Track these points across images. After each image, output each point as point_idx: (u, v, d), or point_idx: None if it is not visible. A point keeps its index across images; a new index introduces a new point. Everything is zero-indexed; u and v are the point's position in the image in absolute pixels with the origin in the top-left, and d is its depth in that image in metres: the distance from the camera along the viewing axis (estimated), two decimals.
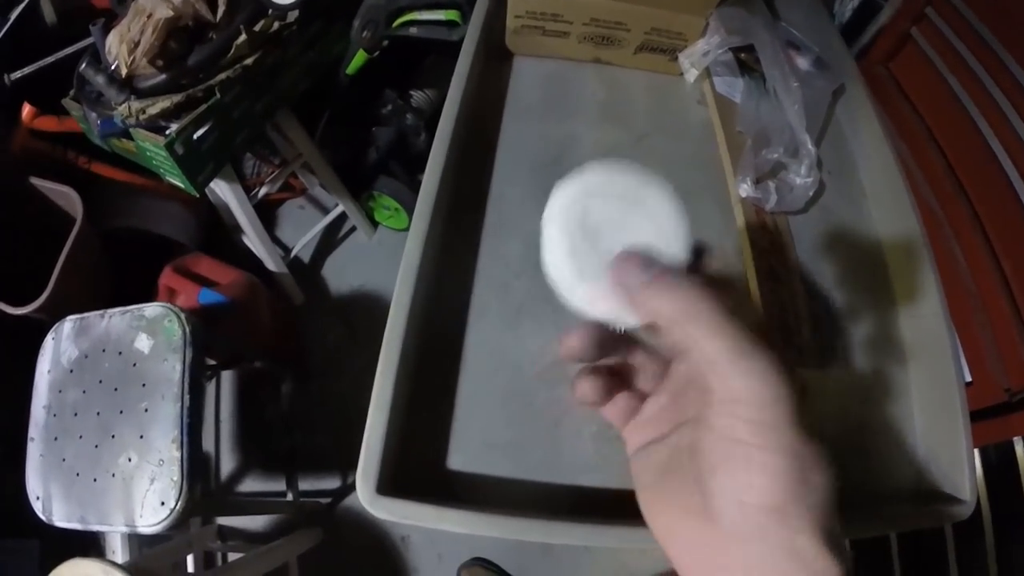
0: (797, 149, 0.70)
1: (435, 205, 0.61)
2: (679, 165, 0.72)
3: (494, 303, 0.62)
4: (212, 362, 1.23)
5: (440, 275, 0.63)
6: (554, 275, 0.28)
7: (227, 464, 1.33)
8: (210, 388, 1.35)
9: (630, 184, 0.27)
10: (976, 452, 0.78)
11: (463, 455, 0.57)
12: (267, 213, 1.54)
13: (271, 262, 1.25)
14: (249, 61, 0.96)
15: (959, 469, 0.62)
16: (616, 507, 0.56)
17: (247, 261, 1.29)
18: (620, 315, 0.26)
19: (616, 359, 0.30)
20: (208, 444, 1.33)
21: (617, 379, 0.30)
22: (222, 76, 0.94)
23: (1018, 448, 0.85)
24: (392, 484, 0.52)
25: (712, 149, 0.72)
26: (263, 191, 1.14)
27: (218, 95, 0.94)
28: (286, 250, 1.43)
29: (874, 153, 0.78)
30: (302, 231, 1.36)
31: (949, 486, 0.62)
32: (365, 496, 0.49)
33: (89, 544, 1.31)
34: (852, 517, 0.58)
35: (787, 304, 0.64)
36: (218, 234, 1.37)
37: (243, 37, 0.93)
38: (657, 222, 0.27)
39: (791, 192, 0.68)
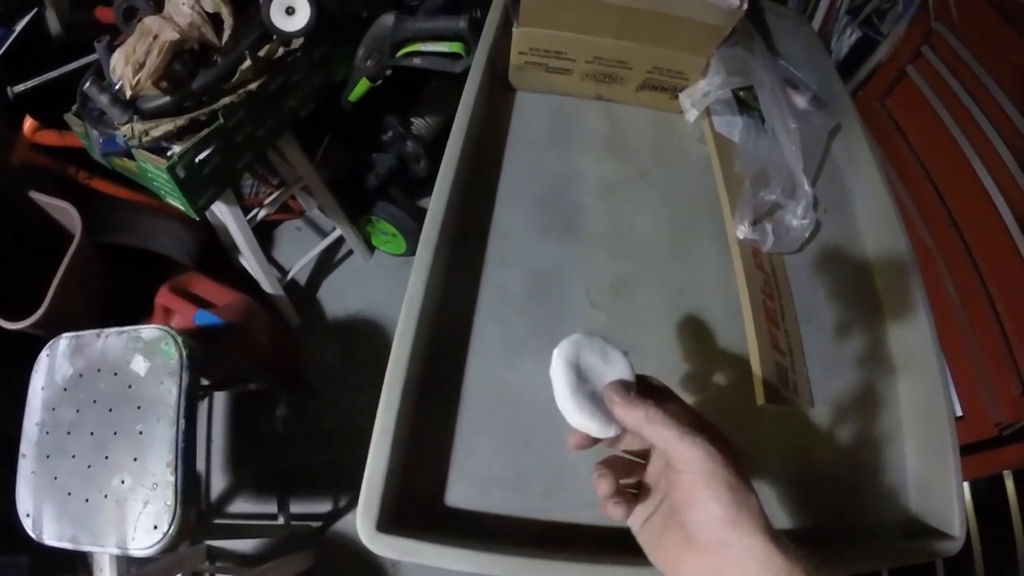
0: (794, 190, 0.73)
1: (439, 237, 0.62)
2: (679, 201, 0.75)
3: (496, 337, 0.64)
4: (206, 382, 1.24)
5: (442, 307, 0.64)
6: (561, 406, 0.41)
7: (218, 484, 1.33)
8: (202, 408, 1.36)
9: (601, 346, 0.44)
10: (966, 485, 0.80)
11: (463, 490, 0.58)
12: (264, 233, 1.55)
13: (268, 284, 1.27)
14: (253, 86, 0.98)
15: (949, 505, 0.63)
16: (614, 543, 0.57)
17: (244, 281, 1.30)
18: (603, 428, 0.40)
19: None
20: (199, 464, 1.33)
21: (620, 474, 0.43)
22: (226, 100, 0.96)
23: (1008, 482, 0.88)
24: (391, 519, 0.53)
25: (711, 186, 0.75)
26: (262, 214, 1.16)
27: (221, 119, 0.96)
28: (283, 272, 1.45)
29: (870, 189, 0.81)
30: (299, 252, 1.38)
31: (939, 522, 0.64)
32: (366, 533, 0.50)
33: (78, 562, 1.31)
34: (843, 552, 0.60)
35: (782, 344, 0.66)
36: (216, 253, 1.38)
37: (248, 62, 0.95)
38: (618, 369, 0.42)
39: (788, 233, 0.70)
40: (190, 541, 1.30)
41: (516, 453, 0.60)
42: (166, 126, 0.95)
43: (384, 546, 0.51)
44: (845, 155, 0.86)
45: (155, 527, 0.92)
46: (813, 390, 0.68)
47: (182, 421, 0.94)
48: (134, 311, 1.23)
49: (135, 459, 0.95)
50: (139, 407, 0.97)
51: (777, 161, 0.74)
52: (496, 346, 0.64)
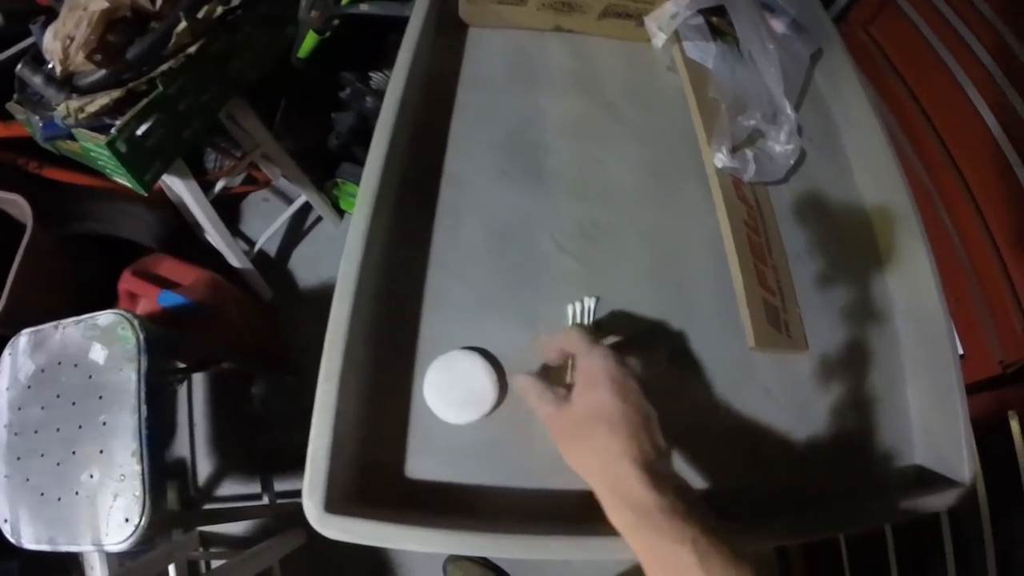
0: (775, 115, 0.63)
1: (380, 187, 0.53)
2: (651, 136, 0.65)
3: (454, 293, 0.55)
4: (182, 365, 1.15)
5: (390, 264, 0.55)
6: (434, 410, 0.50)
7: (204, 469, 1.25)
8: (182, 392, 1.27)
9: (465, 357, 0.52)
10: None
11: (426, 461, 0.50)
12: (231, 207, 1.44)
13: (234, 258, 1.17)
14: (192, 50, 0.87)
15: (957, 450, 0.55)
16: (586, 510, 0.49)
17: (214, 259, 1.20)
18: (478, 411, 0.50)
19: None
20: (183, 450, 1.25)
21: None
22: (164, 67, 0.86)
23: (1013, 423, 0.79)
24: (346, 498, 0.46)
25: (685, 118, 0.65)
26: (220, 185, 1.06)
27: (160, 87, 0.86)
28: (252, 245, 1.34)
29: (858, 118, 0.71)
30: (268, 224, 1.27)
31: (947, 469, 0.56)
32: (313, 515, 0.43)
33: (70, 562, 1.23)
34: (846, 508, 0.52)
35: (770, 281, 0.56)
36: (185, 233, 1.28)
37: (183, 24, 0.85)
38: (485, 369, 0.51)
39: (771, 161, 0.60)
40: (182, 529, 1.24)
41: (484, 418, 0.51)
42: (101, 100, 0.85)
43: (336, 529, 0.43)
44: (830, 84, 0.76)
45: (126, 520, 0.85)
46: (807, 333, 0.58)
47: (144, 408, 0.86)
48: (103, 302, 1.14)
49: (101, 451, 0.87)
50: (101, 397, 0.89)
51: (755, 86, 0.63)
52: (455, 303, 0.55)
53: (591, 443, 0.38)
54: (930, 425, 0.59)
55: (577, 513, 0.49)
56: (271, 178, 1.32)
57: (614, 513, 0.36)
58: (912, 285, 0.63)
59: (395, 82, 0.59)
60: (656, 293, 0.56)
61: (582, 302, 0.54)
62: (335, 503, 0.44)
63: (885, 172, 0.66)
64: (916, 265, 0.62)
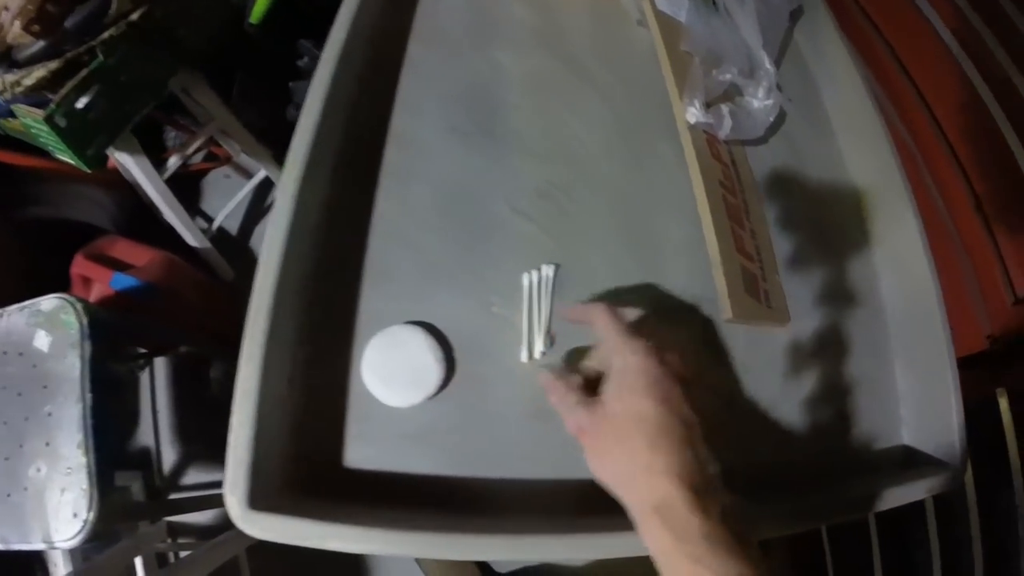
0: (753, 69, 0.57)
1: (313, 147, 0.46)
2: (620, 93, 0.58)
3: (401, 264, 0.49)
4: (142, 350, 1.09)
5: (327, 232, 0.49)
6: (373, 392, 0.45)
7: (169, 457, 1.18)
8: (144, 378, 1.20)
9: (406, 333, 0.46)
10: None
11: (366, 449, 0.44)
12: (192, 185, 1.36)
13: (191, 237, 1.10)
14: (135, 16, 0.80)
15: (948, 428, 0.51)
16: (555, 502, 0.44)
17: (175, 240, 1.13)
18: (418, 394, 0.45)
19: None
20: (147, 438, 1.18)
21: None
22: (104, 36, 0.79)
23: (1001, 401, 0.75)
24: (277, 492, 0.40)
25: (656, 74, 0.59)
26: (173, 161, 0.98)
27: (101, 57, 0.78)
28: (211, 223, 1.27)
29: (840, 78, 0.66)
30: (230, 201, 1.20)
31: (936, 449, 0.52)
32: (235, 513, 0.37)
33: (33, 559, 1.17)
34: (832, 493, 0.47)
35: (748, 246, 0.51)
36: (145, 214, 1.20)
37: None
38: (428, 345, 0.45)
39: (748, 117, 0.54)
40: (149, 520, 1.18)
41: (430, 400, 0.45)
42: (38, 72, 0.77)
43: (261, 528, 0.38)
44: (809, 41, 0.70)
45: (75, 515, 0.80)
46: (788, 303, 0.53)
47: (89, 396, 0.80)
48: (60, 288, 1.06)
49: (47, 444, 0.82)
50: (45, 386, 0.83)
51: (732, 39, 0.57)
52: (399, 274, 0.48)
53: (629, 457, 0.33)
54: (920, 403, 0.54)
55: (536, 504, 0.44)
56: (232, 154, 1.25)
57: (650, 535, 0.31)
58: (899, 251, 0.58)
59: (336, 33, 0.52)
60: (622, 260, 0.51)
61: (539, 271, 0.48)
62: (262, 498, 0.38)
63: (869, 133, 0.61)
64: (904, 231, 0.57)
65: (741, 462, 0.47)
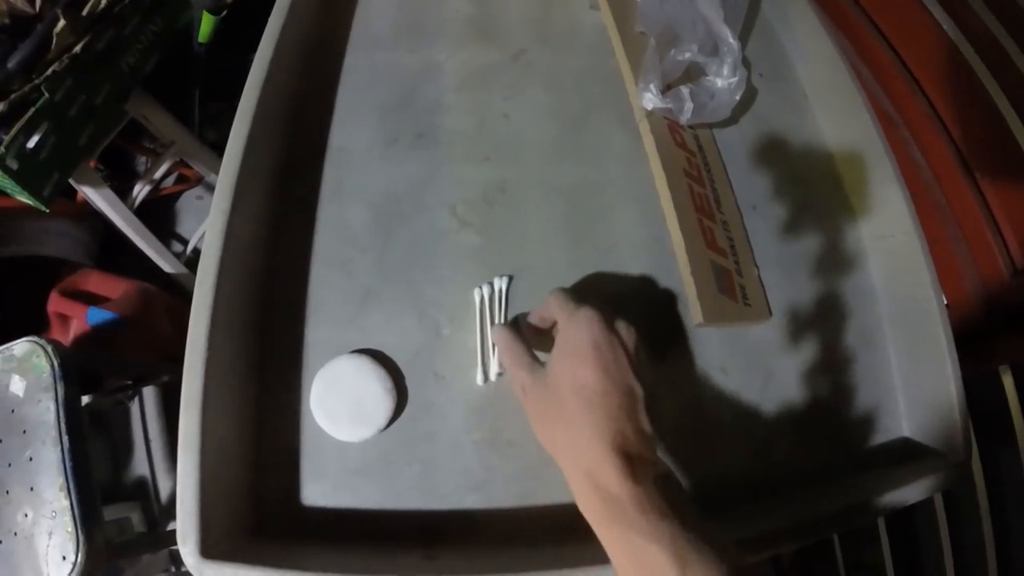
0: (716, 46, 0.51)
1: (240, 178, 0.41)
2: (568, 83, 0.52)
3: (338, 288, 0.43)
4: (128, 382, 1.04)
5: (265, 263, 0.43)
6: (324, 428, 0.40)
7: (165, 486, 1.14)
8: (134, 409, 1.15)
9: (351, 364, 0.41)
10: None
11: (325, 486, 0.40)
12: (165, 208, 1.30)
13: (164, 263, 1.04)
14: (77, 49, 0.74)
15: (949, 417, 0.45)
16: (511, 530, 0.39)
17: (153, 266, 1.07)
18: (367, 429, 0.40)
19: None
20: (142, 467, 1.14)
21: None
22: (48, 72, 0.73)
23: (1005, 378, 0.68)
24: (234, 536, 0.37)
25: (610, 59, 0.52)
26: (139, 188, 0.93)
27: (46, 94, 0.73)
28: (187, 246, 1.22)
29: (813, 49, 0.59)
30: (202, 223, 1.14)
31: (937, 441, 0.46)
32: (189, 563, 0.34)
33: None
34: (830, 500, 0.42)
35: (720, 239, 0.45)
36: (121, 243, 1.15)
37: (62, 23, 0.72)
38: (377, 376, 0.41)
39: (712, 98, 0.48)
40: (151, 551, 1.14)
41: (380, 434, 0.41)
42: None
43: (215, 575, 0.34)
44: (778, 12, 0.63)
45: (63, 558, 0.77)
46: (768, 295, 0.47)
47: (65, 439, 0.77)
48: (39, 329, 1.02)
49: (31, 489, 0.79)
50: (24, 431, 0.81)
51: (689, 14, 0.51)
52: (341, 301, 0.43)
53: (565, 421, 0.32)
54: (918, 393, 0.48)
55: (499, 533, 0.39)
56: (203, 174, 1.19)
57: (583, 501, 0.31)
58: (886, 230, 0.52)
59: (263, 51, 0.47)
60: (581, 265, 0.45)
61: (491, 285, 0.43)
62: (215, 546, 0.35)
63: (847, 104, 0.55)
64: (891, 208, 0.51)
65: (719, 469, 0.42)
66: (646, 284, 0.45)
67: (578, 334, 0.33)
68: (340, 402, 0.40)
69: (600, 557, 0.31)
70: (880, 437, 0.48)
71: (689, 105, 0.46)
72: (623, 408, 0.31)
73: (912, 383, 0.49)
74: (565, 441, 0.32)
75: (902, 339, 0.50)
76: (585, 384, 0.32)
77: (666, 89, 0.47)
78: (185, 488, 0.35)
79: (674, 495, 0.30)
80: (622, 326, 0.34)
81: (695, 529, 0.28)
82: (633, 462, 0.30)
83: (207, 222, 0.40)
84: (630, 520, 0.28)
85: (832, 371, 0.48)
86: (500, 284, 0.43)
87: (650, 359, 0.35)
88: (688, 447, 0.42)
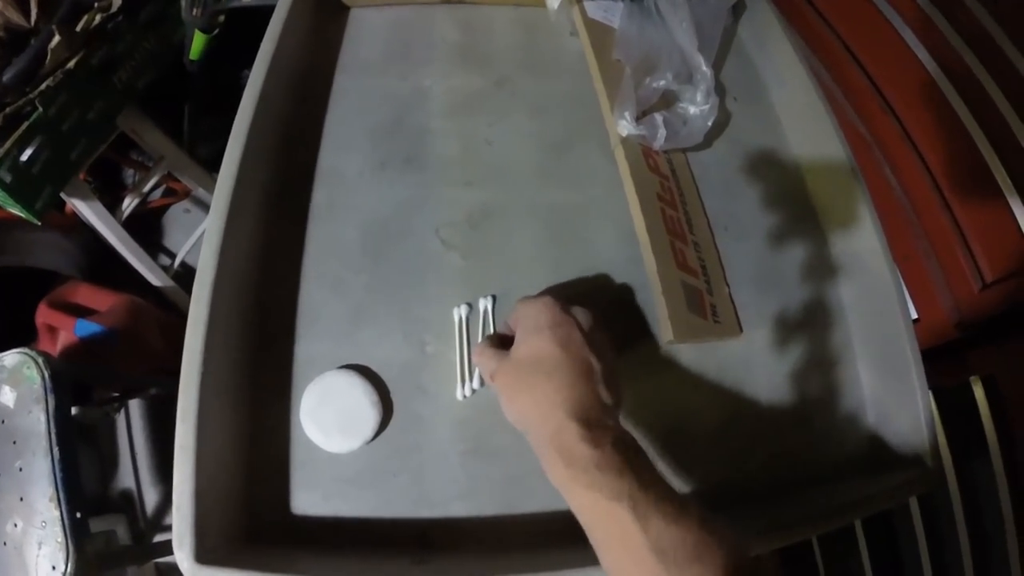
0: (690, 74, 0.54)
1: (234, 197, 0.44)
2: (550, 109, 0.55)
3: (328, 306, 0.46)
4: (115, 394, 1.06)
5: (258, 281, 0.46)
6: (313, 440, 0.43)
7: (151, 498, 1.15)
8: (120, 421, 1.17)
9: (339, 378, 0.44)
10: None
11: (315, 495, 0.43)
12: (154, 221, 1.33)
13: (152, 276, 1.07)
14: (71, 64, 0.77)
15: (916, 428, 0.48)
16: (496, 536, 0.42)
17: (141, 279, 1.10)
18: (355, 440, 0.43)
19: None
20: (128, 480, 1.15)
21: None
22: (42, 87, 0.76)
23: (976, 389, 0.72)
24: (228, 542, 0.39)
25: (589, 86, 0.56)
26: (128, 201, 0.96)
27: (40, 109, 0.76)
28: (174, 259, 1.25)
29: (786, 73, 0.63)
30: (190, 236, 1.17)
31: (907, 451, 0.49)
32: (184, 567, 0.36)
33: None
34: (802, 510, 0.44)
35: (691, 261, 0.48)
36: (110, 255, 1.17)
37: (57, 39, 0.75)
38: (364, 390, 0.43)
39: (685, 124, 0.52)
40: (137, 565, 1.15)
41: (366, 446, 0.44)
42: None
43: None
44: (753, 37, 0.67)
45: (53, 568, 0.79)
46: (740, 313, 0.50)
47: (56, 449, 0.79)
48: (26, 339, 1.04)
49: (21, 499, 0.81)
50: (14, 442, 0.83)
51: (665, 43, 0.55)
52: (331, 318, 0.46)
53: (528, 393, 0.35)
54: (887, 405, 0.51)
55: (485, 541, 0.42)
56: (191, 188, 1.22)
57: (548, 467, 0.33)
58: (856, 248, 0.55)
59: (255, 75, 0.50)
60: (553, 283, 0.48)
61: (472, 304, 0.46)
62: (210, 552, 0.37)
63: (819, 129, 0.58)
64: (860, 227, 0.54)
65: (705, 479, 0.45)
66: (624, 303, 0.48)
67: (536, 314, 0.37)
68: (329, 415, 0.43)
69: (584, 559, 0.34)
70: (851, 448, 0.51)
71: (663, 132, 0.49)
72: (581, 378, 0.34)
73: (881, 395, 0.52)
74: (531, 409, 0.35)
75: (871, 353, 0.53)
76: (543, 357, 0.35)
77: (641, 116, 0.51)
78: (181, 495, 0.38)
79: (632, 456, 0.32)
80: (578, 310, 0.38)
81: (654, 486, 0.30)
82: (592, 428, 0.32)
83: (204, 241, 0.43)
84: (591, 478, 0.30)
85: (805, 384, 0.51)
86: (485, 304, 0.46)
87: (609, 341, 0.38)
88: (666, 458, 0.45)
